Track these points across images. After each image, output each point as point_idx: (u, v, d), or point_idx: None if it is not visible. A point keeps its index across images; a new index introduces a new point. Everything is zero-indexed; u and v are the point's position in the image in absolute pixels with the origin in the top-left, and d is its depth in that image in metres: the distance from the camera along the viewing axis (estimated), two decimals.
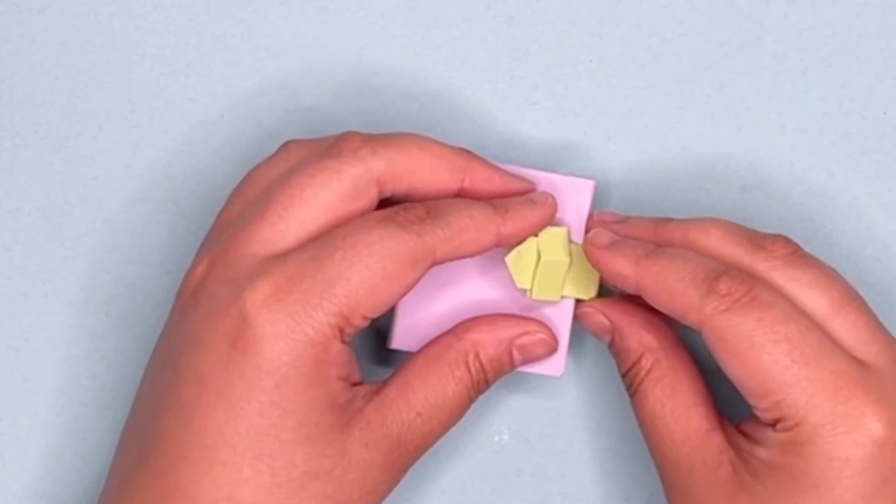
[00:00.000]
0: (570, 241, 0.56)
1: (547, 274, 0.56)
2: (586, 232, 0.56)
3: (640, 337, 0.55)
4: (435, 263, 0.52)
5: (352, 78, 0.60)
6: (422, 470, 0.60)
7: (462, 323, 0.55)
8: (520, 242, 0.55)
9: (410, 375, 0.53)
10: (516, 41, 0.60)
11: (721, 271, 0.52)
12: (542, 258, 0.56)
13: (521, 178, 0.56)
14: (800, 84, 0.61)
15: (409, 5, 0.60)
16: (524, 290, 0.56)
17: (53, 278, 0.60)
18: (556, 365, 0.57)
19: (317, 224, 0.51)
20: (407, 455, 0.53)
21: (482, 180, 0.55)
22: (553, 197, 0.55)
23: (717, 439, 0.53)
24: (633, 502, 0.60)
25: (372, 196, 0.52)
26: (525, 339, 0.55)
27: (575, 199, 0.56)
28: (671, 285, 0.52)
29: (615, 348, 0.56)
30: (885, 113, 0.61)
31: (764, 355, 0.51)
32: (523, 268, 0.56)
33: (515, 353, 0.55)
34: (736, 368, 0.51)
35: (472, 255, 0.53)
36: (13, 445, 0.60)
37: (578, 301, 0.57)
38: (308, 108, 0.60)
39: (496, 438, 0.60)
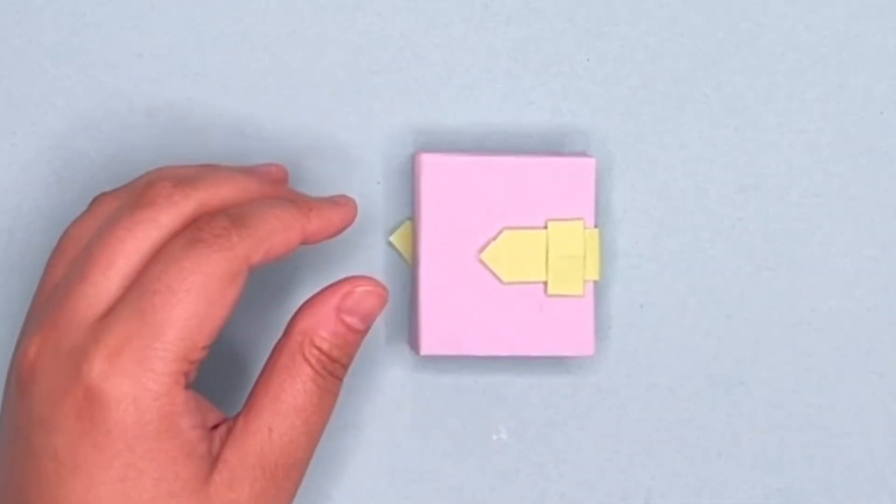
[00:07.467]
0: (585, 228, 0.57)
1: (563, 269, 0.56)
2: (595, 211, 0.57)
3: None
4: (251, 270, 0.51)
5: (349, 77, 0.60)
6: (420, 469, 0.60)
7: (292, 317, 0.53)
8: (327, 238, 0.54)
9: (254, 395, 0.52)
10: (514, 40, 0.60)
11: None
12: (553, 253, 0.56)
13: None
14: (797, 84, 0.61)
15: (407, 5, 0.60)
16: (541, 283, 0.57)
17: None
18: (586, 345, 0.57)
19: (138, 271, 0.51)
20: (280, 474, 0.51)
21: (277, 184, 0.56)
22: (353, 200, 0.55)
23: None
24: (630, 501, 0.60)
25: None
26: (349, 302, 0.53)
27: (578, 180, 0.57)
28: None
29: None
30: (882, 112, 0.61)
31: None
32: (518, 261, 0.56)
33: (348, 319, 0.53)
34: None
35: (284, 256, 0.52)
36: None
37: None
38: (305, 108, 0.60)
39: (494, 437, 0.60)
